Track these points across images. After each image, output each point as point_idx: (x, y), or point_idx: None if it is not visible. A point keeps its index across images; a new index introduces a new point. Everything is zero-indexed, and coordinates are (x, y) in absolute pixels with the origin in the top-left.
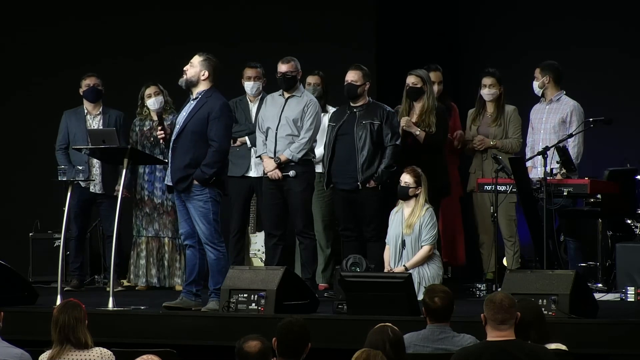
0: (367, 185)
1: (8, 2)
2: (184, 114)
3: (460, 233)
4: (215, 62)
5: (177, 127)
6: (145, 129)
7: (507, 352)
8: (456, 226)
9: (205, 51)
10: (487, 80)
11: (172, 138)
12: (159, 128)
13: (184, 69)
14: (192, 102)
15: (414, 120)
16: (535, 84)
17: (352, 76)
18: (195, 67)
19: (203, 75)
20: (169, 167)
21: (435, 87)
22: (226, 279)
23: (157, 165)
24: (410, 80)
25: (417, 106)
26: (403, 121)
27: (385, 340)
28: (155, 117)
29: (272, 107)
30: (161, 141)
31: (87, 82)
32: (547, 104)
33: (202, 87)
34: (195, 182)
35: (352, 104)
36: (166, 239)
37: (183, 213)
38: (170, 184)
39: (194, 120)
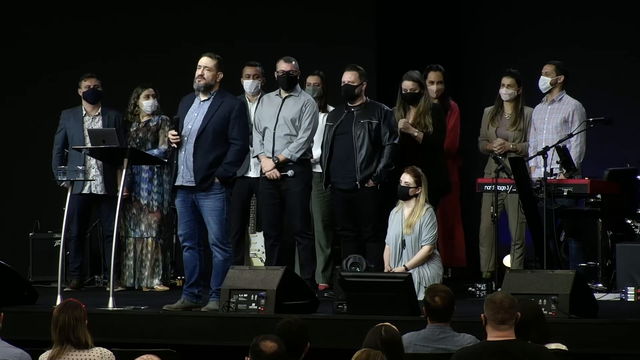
0: (366, 185)
1: (7, 2)
2: (196, 114)
3: (461, 235)
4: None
5: (188, 127)
6: (131, 129)
7: (507, 352)
8: (456, 228)
9: (213, 51)
10: (505, 80)
11: (186, 139)
12: (173, 127)
13: (199, 73)
14: (202, 102)
15: (410, 121)
16: (546, 80)
17: (348, 77)
18: (212, 70)
19: (219, 77)
20: (183, 168)
21: (435, 87)
22: (226, 279)
23: (144, 166)
24: (408, 85)
25: (413, 109)
26: (400, 123)
27: (377, 340)
28: (142, 119)
29: (268, 107)
30: (173, 143)
31: (87, 84)
32: (549, 104)
33: (215, 87)
34: (216, 180)
35: (349, 104)
36: (149, 239)
37: (184, 215)
38: (180, 184)
39: (214, 119)
